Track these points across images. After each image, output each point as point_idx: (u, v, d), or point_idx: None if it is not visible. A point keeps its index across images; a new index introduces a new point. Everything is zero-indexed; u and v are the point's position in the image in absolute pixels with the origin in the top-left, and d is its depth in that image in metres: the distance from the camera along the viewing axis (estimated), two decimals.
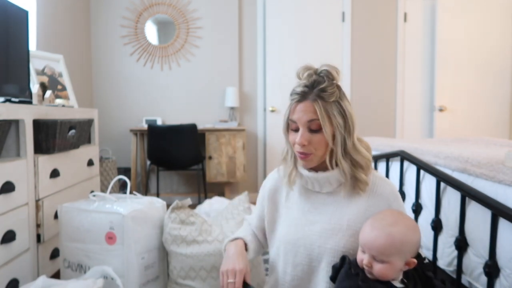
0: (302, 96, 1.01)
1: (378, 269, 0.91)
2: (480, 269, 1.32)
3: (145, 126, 3.58)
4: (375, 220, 0.95)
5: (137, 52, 3.90)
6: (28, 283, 1.38)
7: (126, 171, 3.78)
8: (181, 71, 3.94)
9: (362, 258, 0.93)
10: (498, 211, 1.22)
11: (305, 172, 1.08)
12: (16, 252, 1.56)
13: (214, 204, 2.52)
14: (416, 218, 1.72)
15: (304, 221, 1.08)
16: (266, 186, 1.22)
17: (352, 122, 1.02)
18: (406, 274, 0.95)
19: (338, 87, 1.03)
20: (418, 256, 0.98)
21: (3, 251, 1.48)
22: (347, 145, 1.02)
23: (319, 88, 1.00)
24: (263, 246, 1.28)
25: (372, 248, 0.91)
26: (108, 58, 3.91)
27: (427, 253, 1.67)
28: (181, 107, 3.95)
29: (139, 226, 1.56)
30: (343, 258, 0.98)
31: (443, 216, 1.56)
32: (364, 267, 0.92)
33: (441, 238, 1.56)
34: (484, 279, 1.29)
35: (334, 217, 1.05)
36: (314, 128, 1.00)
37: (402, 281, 0.94)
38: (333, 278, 0.99)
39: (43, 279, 1.36)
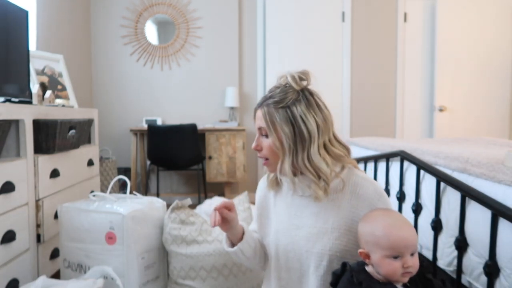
0: (258, 105, 1.06)
1: (416, 262, 0.90)
2: (480, 269, 1.32)
3: (145, 126, 3.58)
4: (392, 222, 0.91)
5: (137, 52, 3.90)
6: (28, 283, 1.38)
7: (126, 171, 3.78)
8: (181, 71, 3.94)
9: (397, 266, 0.88)
10: (498, 211, 1.22)
11: (282, 177, 1.09)
12: (16, 252, 1.56)
13: (214, 204, 2.52)
14: (416, 218, 1.72)
15: (290, 226, 1.08)
16: (257, 195, 1.24)
17: (308, 131, 0.97)
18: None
19: (297, 93, 1.00)
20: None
21: (3, 251, 1.48)
22: (297, 154, 0.99)
23: (269, 95, 1.04)
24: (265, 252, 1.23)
25: (413, 244, 0.89)
26: (108, 58, 3.91)
27: (427, 253, 1.67)
28: (181, 107, 3.95)
29: (139, 226, 1.56)
30: (344, 265, 0.96)
31: (443, 216, 1.56)
32: (410, 271, 0.88)
33: (441, 238, 1.56)
34: (484, 279, 1.29)
35: (319, 221, 1.04)
36: (264, 134, 1.04)
37: (404, 285, 0.93)
38: (333, 285, 0.97)
39: (43, 279, 1.36)
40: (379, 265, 0.91)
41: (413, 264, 0.89)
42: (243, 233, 1.14)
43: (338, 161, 1.04)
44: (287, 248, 1.07)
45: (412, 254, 0.90)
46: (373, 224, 0.94)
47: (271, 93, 1.04)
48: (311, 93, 1.03)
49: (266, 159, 1.06)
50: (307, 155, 0.98)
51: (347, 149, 1.08)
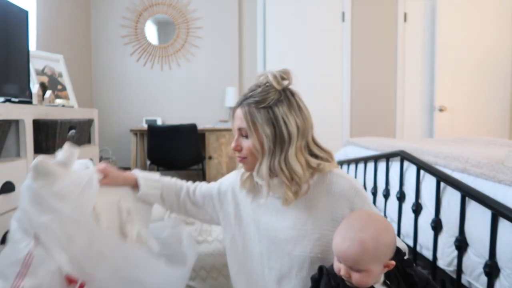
0: (237, 104, 1.02)
1: (357, 279, 0.87)
2: (480, 269, 1.32)
3: (145, 126, 3.59)
4: (345, 228, 0.91)
5: (137, 52, 3.90)
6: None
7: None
8: (181, 71, 3.94)
9: (339, 268, 0.89)
10: (498, 211, 1.22)
11: (255, 177, 1.06)
12: None
13: None
14: (416, 218, 1.72)
15: (271, 227, 1.06)
16: (226, 182, 1.21)
17: (289, 133, 0.95)
18: (388, 275, 0.93)
19: (279, 93, 0.98)
20: (398, 254, 0.96)
21: None
22: (275, 156, 0.97)
23: (249, 94, 0.99)
24: (183, 207, 1.34)
25: (347, 259, 0.87)
26: (108, 58, 3.91)
27: (427, 253, 1.67)
28: (181, 107, 3.95)
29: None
30: (321, 269, 0.95)
31: (443, 216, 1.56)
32: (343, 277, 0.89)
33: (441, 238, 1.56)
34: (484, 279, 1.29)
35: (298, 222, 1.02)
36: (244, 134, 1.00)
37: (384, 283, 0.92)
38: None
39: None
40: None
41: (354, 279, 0.87)
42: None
43: (317, 170, 1.00)
44: (269, 249, 1.06)
45: (358, 271, 0.87)
46: (341, 223, 0.94)
47: (251, 92, 1.00)
48: (292, 93, 1.00)
49: (244, 157, 1.02)
50: (284, 157, 0.96)
51: (329, 153, 1.04)
